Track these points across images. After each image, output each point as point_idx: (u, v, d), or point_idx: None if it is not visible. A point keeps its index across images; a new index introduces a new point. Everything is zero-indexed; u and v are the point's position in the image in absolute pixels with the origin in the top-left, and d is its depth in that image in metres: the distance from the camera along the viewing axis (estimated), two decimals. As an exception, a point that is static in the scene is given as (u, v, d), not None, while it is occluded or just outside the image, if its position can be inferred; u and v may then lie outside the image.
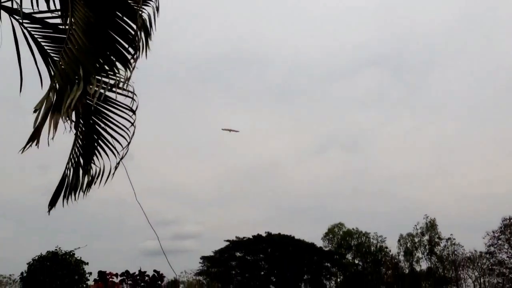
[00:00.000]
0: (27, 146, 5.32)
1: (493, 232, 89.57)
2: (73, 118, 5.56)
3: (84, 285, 4.91)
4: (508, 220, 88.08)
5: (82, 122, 5.65)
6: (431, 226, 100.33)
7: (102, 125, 5.71)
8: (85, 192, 5.73)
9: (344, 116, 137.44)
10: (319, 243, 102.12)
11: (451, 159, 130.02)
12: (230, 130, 74.84)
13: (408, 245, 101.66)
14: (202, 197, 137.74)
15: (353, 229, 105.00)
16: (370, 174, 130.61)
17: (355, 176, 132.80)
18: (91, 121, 5.69)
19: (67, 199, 5.65)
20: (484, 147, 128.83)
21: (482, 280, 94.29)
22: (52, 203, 5.63)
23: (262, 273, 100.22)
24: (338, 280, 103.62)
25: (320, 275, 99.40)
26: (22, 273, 5.03)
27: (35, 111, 4.75)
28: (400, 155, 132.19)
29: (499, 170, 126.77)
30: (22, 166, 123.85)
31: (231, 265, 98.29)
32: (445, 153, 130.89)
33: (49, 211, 5.67)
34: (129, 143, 5.55)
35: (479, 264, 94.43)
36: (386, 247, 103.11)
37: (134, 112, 5.64)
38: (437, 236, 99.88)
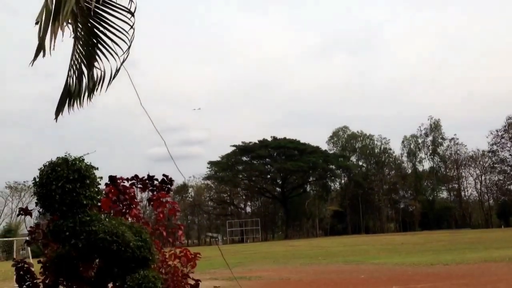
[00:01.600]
0: (36, 59, 5.23)
1: (497, 131, 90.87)
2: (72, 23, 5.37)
3: (96, 189, 5.04)
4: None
5: (80, 26, 5.46)
6: (435, 127, 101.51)
7: (101, 28, 5.52)
8: (89, 98, 5.71)
9: (349, 15, 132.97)
10: (324, 146, 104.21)
11: (456, 57, 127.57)
12: (199, 108, 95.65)
13: (411, 146, 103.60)
14: (207, 103, 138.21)
15: (357, 132, 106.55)
16: (375, 76, 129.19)
17: (360, 79, 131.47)
18: (90, 25, 5.50)
19: (73, 106, 5.66)
20: (491, 45, 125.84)
21: (483, 177, 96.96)
22: (59, 110, 5.66)
23: (269, 176, 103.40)
24: (343, 181, 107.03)
25: (325, 177, 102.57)
26: (34, 179, 5.17)
27: (36, 23, 4.60)
28: (405, 55, 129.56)
29: (505, 69, 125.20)
30: (29, 74, 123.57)
31: (238, 170, 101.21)
32: (451, 51, 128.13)
33: (56, 118, 5.72)
34: (129, 47, 5.41)
35: (481, 162, 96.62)
36: (390, 149, 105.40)
37: (132, 14, 5.43)
38: (440, 136, 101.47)
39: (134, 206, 7.32)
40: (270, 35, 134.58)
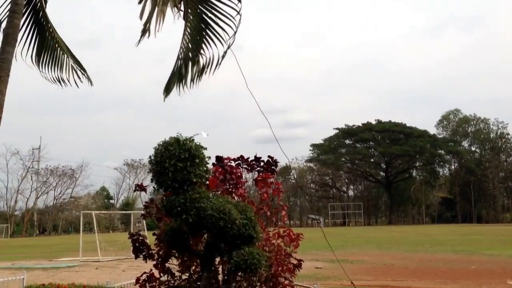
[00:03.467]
0: (141, 39, 5.58)
1: None
2: (182, 8, 5.63)
3: (205, 168, 5.32)
4: None
5: (190, 11, 5.71)
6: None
7: (209, 14, 5.73)
8: (196, 81, 5.97)
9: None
10: (433, 130, 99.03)
11: None
12: (207, 135, 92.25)
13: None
14: (310, 86, 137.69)
15: (470, 115, 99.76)
16: (490, 55, 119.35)
17: (473, 58, 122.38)
18: (199, 11, 5.73)
19: (182, 88, 5.96)
20: None
21: None
22: (167, 91, 6.00)
23: (372, 160, 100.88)
24: (452, 167, 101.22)
25: (433, 162, 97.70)
26: (150, 157, 5.58)
27: (140, 2, 4.88)
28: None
29: None
30: (142, 60, 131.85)
31: (340, 153, 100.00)
32: None
33: (164, 98, 6.07)
34: (235, 32, 5.55)
35: None
36: (508, 134, 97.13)
37: (239, 0, 5.56)
38: None
39: (240, 185, 7.55)
40: (374, 14, 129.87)
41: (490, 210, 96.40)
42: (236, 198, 7.33)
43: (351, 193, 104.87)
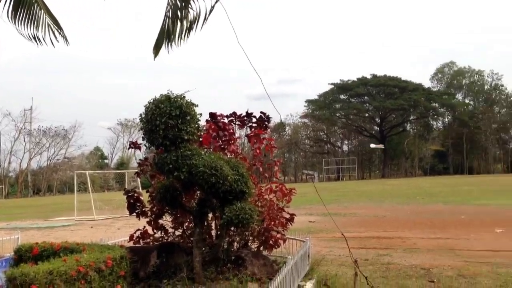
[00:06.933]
0: None
1: None
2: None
3: (196, 125, 5.32)
4: None
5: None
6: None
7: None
8: (185, 39, 5.83)
9: None
10: (427, 83, 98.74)
11: None
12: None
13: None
14: (306, 40, 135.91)
15: (464, 67, 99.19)
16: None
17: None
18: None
19: (170, 45, 5.83)
20: None
21: None
22: (156, 49, 5.87)
23: (367, 115, 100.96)
24: (446, 120, 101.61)
25: (427, 116, 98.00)
26: (140, 115, 5.58)
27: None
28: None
29: None
30: (120, 18, 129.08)
31: (335, 108, 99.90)
32: None
33: (154, 56, 5.96)
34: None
35: None
36: (502, 85, 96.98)
37: None
38: None
39: (232, 142, 7.55)
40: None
41: (482, 162, 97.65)
42: (228, 154, 7.36)
43: (345, 148, 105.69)
